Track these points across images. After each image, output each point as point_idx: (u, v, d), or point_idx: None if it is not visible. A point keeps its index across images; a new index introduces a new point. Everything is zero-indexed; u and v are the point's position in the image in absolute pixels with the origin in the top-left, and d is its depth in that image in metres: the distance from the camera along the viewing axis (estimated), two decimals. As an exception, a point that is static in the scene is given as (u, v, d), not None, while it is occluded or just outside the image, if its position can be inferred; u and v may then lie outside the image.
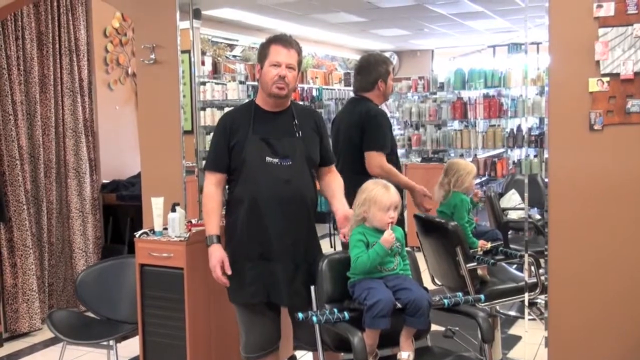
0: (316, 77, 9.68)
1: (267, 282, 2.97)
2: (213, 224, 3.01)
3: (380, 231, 2.78)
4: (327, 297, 2.84)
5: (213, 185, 3.03)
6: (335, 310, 2.68)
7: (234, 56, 8.53)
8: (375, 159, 3.70)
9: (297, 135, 3.00)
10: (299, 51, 3.00)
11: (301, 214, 2.98)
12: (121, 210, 5.82)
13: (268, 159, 2.94)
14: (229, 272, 2.97)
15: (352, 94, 4.07)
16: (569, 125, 3.13)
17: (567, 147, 3.14)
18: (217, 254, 2.97)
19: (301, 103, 3.49)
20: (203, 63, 7.17)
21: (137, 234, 3.55)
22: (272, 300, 3.01)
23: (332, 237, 3.79)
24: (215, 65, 7.55)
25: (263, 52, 3.00)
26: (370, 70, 3.89)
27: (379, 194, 2.77)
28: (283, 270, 2.95)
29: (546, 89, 3.17)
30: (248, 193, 2.96)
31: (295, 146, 2.98)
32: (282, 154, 2.95)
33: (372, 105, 3.82)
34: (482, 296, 3.01)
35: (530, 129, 7.54)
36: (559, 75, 3.14)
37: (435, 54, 12.22)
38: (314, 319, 2.65)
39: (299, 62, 3.01)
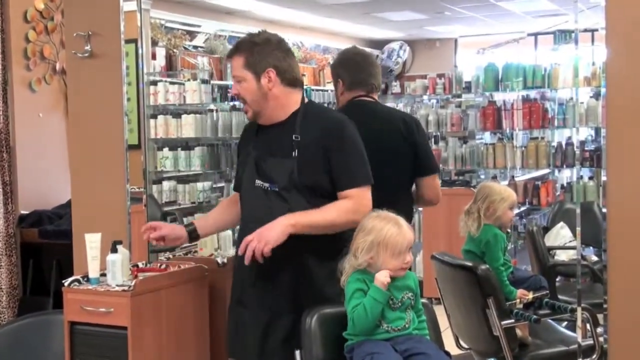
0: (303, 75, 9.72)
1: (240, 335, 3.11)
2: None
3: (385, 277, 2.78)
4: (317, 364, 2.84)
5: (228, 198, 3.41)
6: (328, 382, 2.68)
7: (195, 47, 8.55)
8: (438, 184, 3.88)
9: (293, 154, 3.06)
10: (244, 52, 3.08)
11: (288, 251, 2.99)
12: (45, 250, 5.80)
13: (258, 182, 3.09)
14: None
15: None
16: (633, 138, 3.15)
17: (632, 166, 3.16)
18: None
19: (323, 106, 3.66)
20: (154, 56, 7.17)
21: (66, 282, 3.53)
22: (243, 358, 3.12)
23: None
24: (170, 59, 7.57)
25: None
26: (378, 70, 3.96)
27: (391, 234, 2.77)
28: (254, 321, 3.06)
29: (603, 90, 3.20)
30: (241, 223, 3.23)
31: (285, 168, 3.04)
32: (268, 177, 3.07)
33: (402, 111, 3.92)
34: (521, 363, 3.01)
35: (583, 143, 7.57)
36: (619, 72, 3.17)
37: (459, 45, 12.31)
38: (300, 394, 2.65)
39: (250, 63, 3.07)
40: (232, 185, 3.52)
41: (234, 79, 3.13)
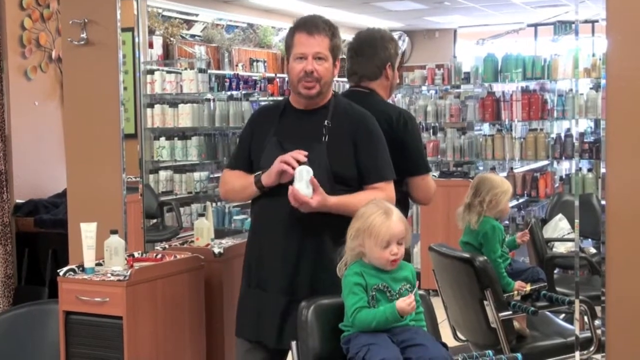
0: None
1: (258, 317, 3.16)
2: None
3: (383, 271, 2.78)
4: (313, 356, 2.83)
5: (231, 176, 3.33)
6: (325, 373, 2.68)
7: (192, 36, 8.55)
8: (432, 183, 3.67)
9: (323, 140, 3.13)
10: (332, 34, 3.15)
11: (310, 237, 3.08)
12: (41, 239, 5.80)
13: None
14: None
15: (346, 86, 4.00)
16: (632, 130, 3.15)
17: (631, 158, 3.16)
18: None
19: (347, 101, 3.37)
20: (151, 45, 7.17)
21: (62, 271, 3.54)
22: (261, 340, 3.17)
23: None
24: (167, 48, 7.56)
25: (287, 43, 3.21)
26: (376, 50, 3.68)
27: (375, 223, 2.76)
28: (275, 304, 3.11)
29: (603, 81, 3.20)
30: (256, 206, 3.26)
31: (315, 153, 3.09)
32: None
33: (391, 104, 3.78)
34: (519, 355, 3.01)
35: (582, 135, 7.58)
36: (619, 63, 3.17)
37: (458, 35, 12.30)
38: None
39: (333, 48, 3.15)
40: (228, 163, 3.48)
41: (317, 55, 3.10)
